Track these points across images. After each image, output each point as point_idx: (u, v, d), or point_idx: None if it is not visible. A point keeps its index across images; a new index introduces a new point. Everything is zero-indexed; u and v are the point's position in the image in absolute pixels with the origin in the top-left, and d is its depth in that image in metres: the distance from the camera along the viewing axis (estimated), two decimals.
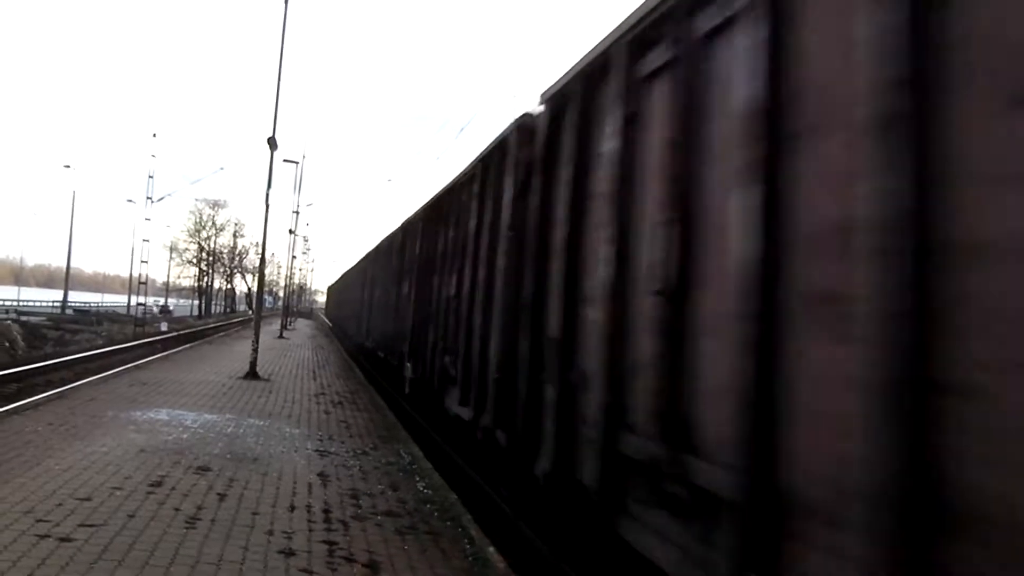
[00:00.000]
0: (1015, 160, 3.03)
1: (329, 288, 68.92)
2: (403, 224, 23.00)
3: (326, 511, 10.67)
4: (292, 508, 10.66)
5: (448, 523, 10.80)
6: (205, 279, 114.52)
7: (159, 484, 11.19)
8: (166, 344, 45.24)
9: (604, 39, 6.89)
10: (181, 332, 60.08)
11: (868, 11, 3.64)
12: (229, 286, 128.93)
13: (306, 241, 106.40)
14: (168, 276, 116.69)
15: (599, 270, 6.65)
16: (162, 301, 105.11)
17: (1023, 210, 2.97)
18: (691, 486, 5.00)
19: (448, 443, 15.59)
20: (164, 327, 62.89)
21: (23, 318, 56.18)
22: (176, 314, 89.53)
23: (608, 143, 6.65)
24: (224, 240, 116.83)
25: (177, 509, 10.02)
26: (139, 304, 58.67)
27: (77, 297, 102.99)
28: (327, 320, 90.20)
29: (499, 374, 9.57)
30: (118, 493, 10.53)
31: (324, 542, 9.28)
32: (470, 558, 9.41)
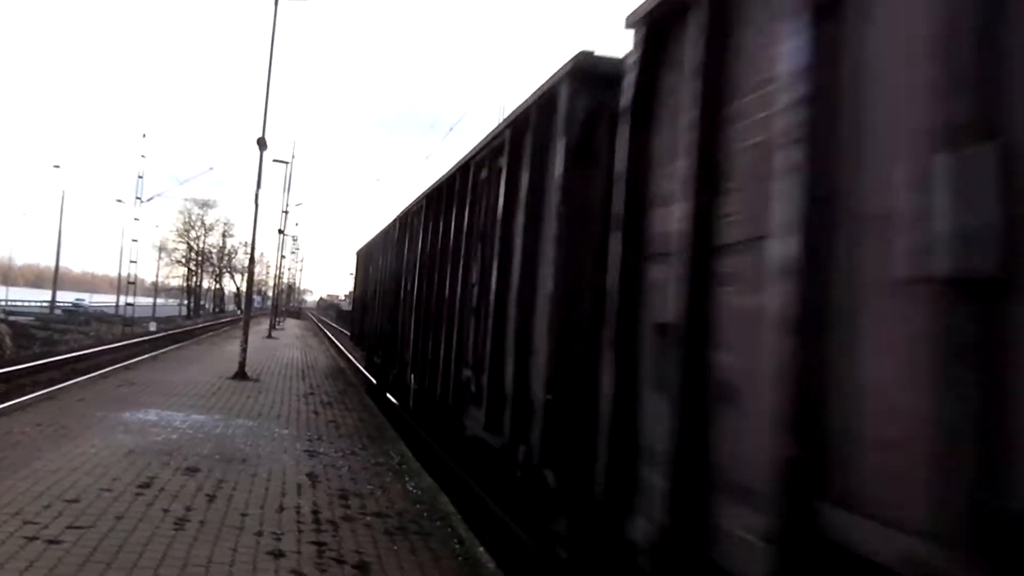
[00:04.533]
0: None
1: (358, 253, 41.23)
2: (400, 215, 21.78)
3: (315, 512, 10.66)
4: (281, 509, 10.64)
5: (438, 523, 10.80)
6: (194, 279, 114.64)
7: (148, 485, 11.16)
8: (155, 344, 45.19)
9: None
10: (170, 332, 60.02)
11: None
12: (218, 286, 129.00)
13: (295, 241, 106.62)
14: (157, 276, 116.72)
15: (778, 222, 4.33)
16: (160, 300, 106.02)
17: None
18: None
19: (467, 472, 13.42)
20: (153, 327, 62.81)
21: (11, 318, 56.02)
22: (163, 314, 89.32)
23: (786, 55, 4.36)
24: (213, 240, 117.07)
25: (166, 510, 9.99)
26: (128, 304, 58.52)
27: (66, 297, 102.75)
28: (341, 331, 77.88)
29: (551, 395, 7.69)
30: (107, 494, 10.50)
31: (313, 543, 9.27)
32: (460, 558, 9.41)
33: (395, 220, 22.87)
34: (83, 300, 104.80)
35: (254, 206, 28.80)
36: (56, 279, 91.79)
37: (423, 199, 17.28)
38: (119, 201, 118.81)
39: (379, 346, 25.87)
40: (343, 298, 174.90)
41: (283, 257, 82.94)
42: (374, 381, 29.59)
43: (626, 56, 6.57)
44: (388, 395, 25.42)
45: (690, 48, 5.49)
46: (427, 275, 15.66)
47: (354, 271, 41.72)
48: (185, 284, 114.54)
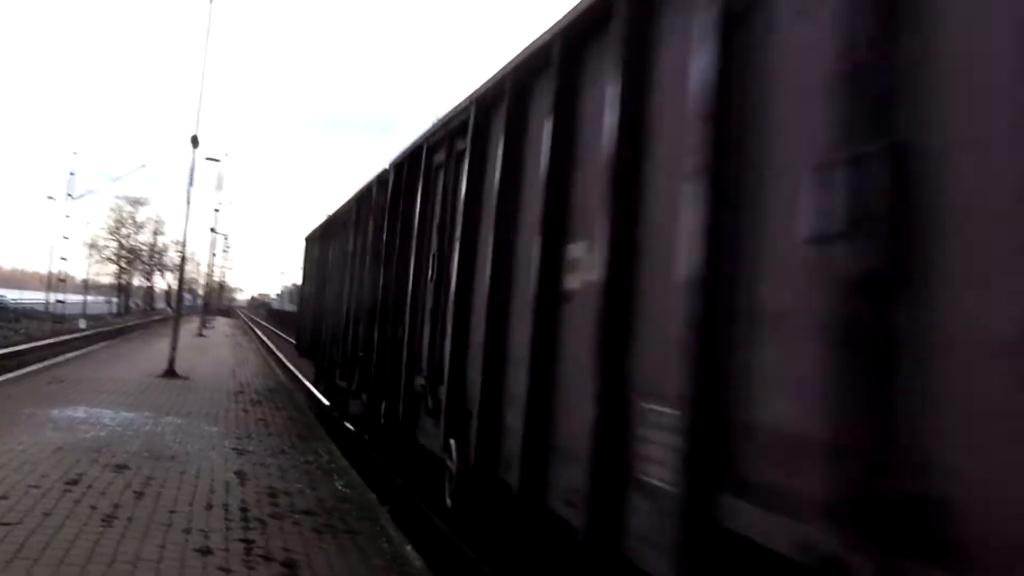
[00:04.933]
0: None
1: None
2: (409, 153, 12.96)
3: (244, 509, 10.70)
4: (210, 506, 10.67)
5: (367, 522, 10.87)
6: (125, 277, 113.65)
7: (76, 482, 11.15)
8: (85, 341, 44.81)
9: None
10: (100, 330, 59.50)
11: None
12: (148, 284, 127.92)
13: (226, 239, 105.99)
14: (87, 273, 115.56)
15: None
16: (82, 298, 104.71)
17: None
18: None
19: None
20: (83, 324, 62.22)
21: None
22: (93, 311, 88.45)
23: None
24: (144, 238, 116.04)
25: (94, 507, 10.00)
26: (59, 301, 57.95)
27: None
28: None
29: None
30: (34, 491, 10.47)
31: (241, 540, 9.32)
32: (388, 556, 9.49)
33: (391, 169, 14.06)
34: (3, 296, 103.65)
35: (186, 204, 28.73)
36: None
37: (488, 96, 9.03)
38: (50, 198, 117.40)
39: (349, 367, 17.02)
40: (274, 297, 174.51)
41: (214, 255, 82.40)
42: (326, 402, 23.10)
43: None
44: (347, 424, 19.76)
45: None
46: (506, 243, 8.10)
47: (302, 263, 31.24)
48: (116, 282, 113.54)
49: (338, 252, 20.27)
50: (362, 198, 17.21)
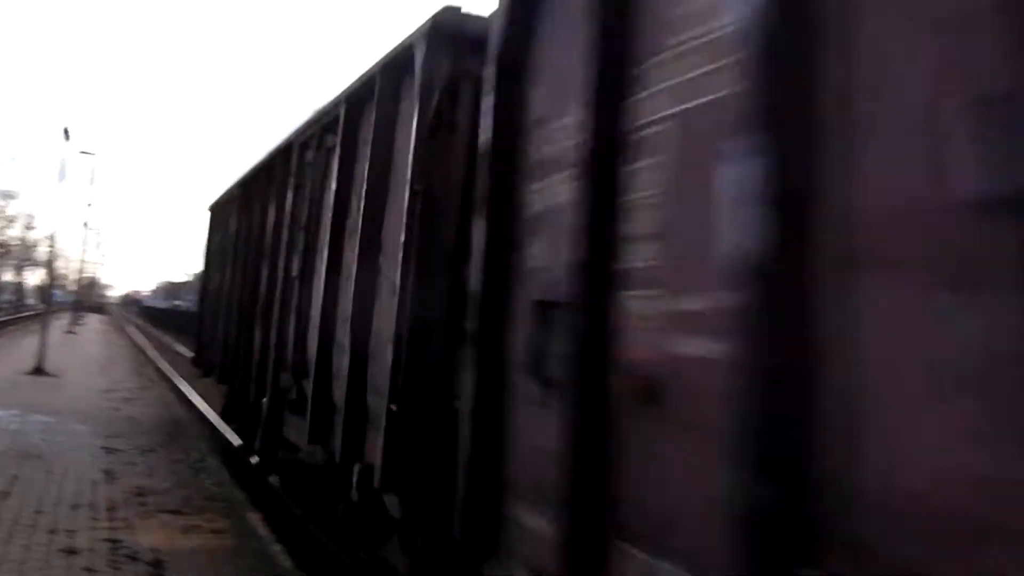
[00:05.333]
0: None
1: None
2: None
3: (111, 509, 10.66)
4: (76, 506, 10.62)
5: (234, 520, 10.90)
6: None
7: None
8: None
9: None
10: None
11: None
12: (19, 280, 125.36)
13: (99, 234, 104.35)
14: None
15: None
16: None
17: None
18: None
19: None
20: None
21: None
22: None
23: None
24: (14, 232, 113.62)
25: None
26: None
27: None
28: None
29: None
30: None
31: (108, 540, 9.31)
32: (256, 556, 9.54)
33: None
34: None
35: (57, 198, 28.34)
36: None
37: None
38: None
39: (349, 422, 7.37)
40: (147, 294, 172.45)
41: (85, 250, 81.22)
42: (235, 443, 14.69)
43: None
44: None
45: None
46: None
47: (206, 242, 20.60)
48: None
49: (298, 211, 10.78)
50: (354, 97, 8.55)
